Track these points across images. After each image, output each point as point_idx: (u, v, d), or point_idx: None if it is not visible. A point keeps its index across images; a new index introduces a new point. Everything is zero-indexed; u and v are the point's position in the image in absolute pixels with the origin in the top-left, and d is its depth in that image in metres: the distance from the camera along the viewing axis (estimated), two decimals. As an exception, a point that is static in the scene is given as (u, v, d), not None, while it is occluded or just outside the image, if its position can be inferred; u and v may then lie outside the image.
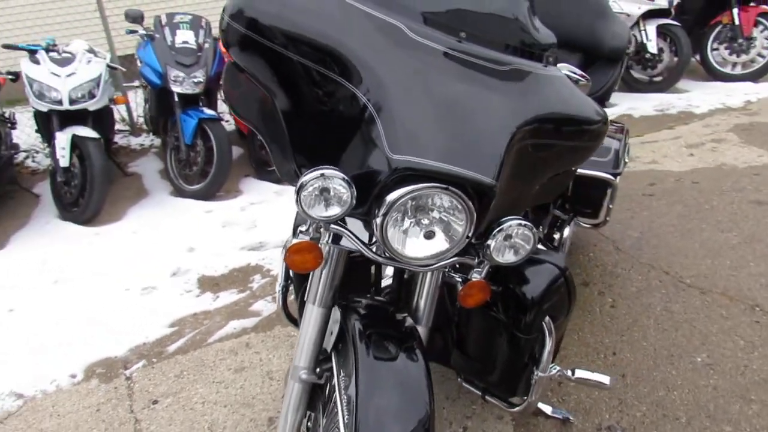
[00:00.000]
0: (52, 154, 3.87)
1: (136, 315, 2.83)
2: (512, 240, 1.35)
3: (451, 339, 1.77)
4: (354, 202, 1.22)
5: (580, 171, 2.34)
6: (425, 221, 1.24)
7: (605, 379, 1.65)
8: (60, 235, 3.81)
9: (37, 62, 3.82)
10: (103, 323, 2.77)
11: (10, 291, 3.18)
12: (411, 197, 1.19)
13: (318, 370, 1.45)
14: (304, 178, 1.20)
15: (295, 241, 1.32)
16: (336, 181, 1.21)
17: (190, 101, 4.10)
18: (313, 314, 1.45)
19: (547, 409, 1.96)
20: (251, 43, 1.29)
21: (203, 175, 4.12)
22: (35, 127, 4.23)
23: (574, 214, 2.58)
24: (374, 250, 1.32)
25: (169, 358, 2.49)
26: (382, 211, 1.17)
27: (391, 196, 1.17)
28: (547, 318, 1.53)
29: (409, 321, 1.45)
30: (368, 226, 1.29)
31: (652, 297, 2.55)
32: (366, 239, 1.32)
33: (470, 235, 1.24)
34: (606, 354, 2.25)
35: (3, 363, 2.54)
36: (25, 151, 5.12)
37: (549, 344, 1.54)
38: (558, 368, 1.63)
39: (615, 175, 2.38)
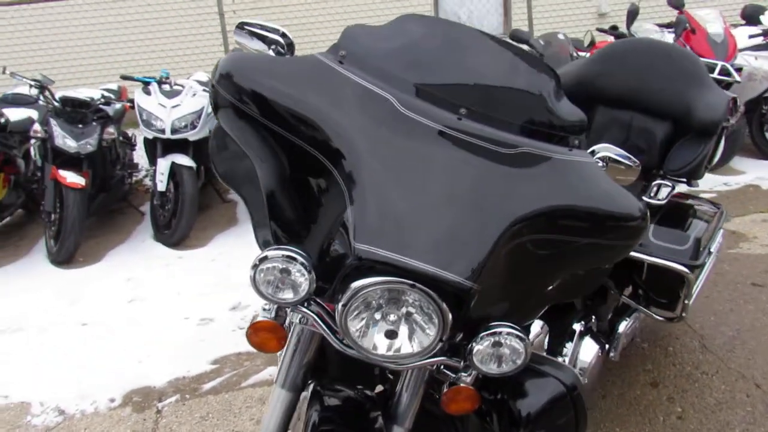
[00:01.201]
0: (153, 178, 4.14)
1: (187, 345, 2.89)
2: (502, 348, 1.17)
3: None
4: (313, 287, 1.14)
5: (649, 258, 2.05)
6: (393, 317, 1.11)
7: None
8: (149, 254, 4.04)
9: (148, 93, 4.14)
10: (155, 350, 2.85)
11: (90, 305, 3.39)
12: (374, 290, 1.07)
13: None
14: (259, 257, 1.13)
15: (258, 318, 1.24)
16: (295, 265, 1.13)
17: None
18: (279, 397, 1.35)
19: None
20: (235, 108, 1.25)
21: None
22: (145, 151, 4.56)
23: (646, 304, 2.27)
24: (342, 339, 1.20)
25: (201, 396, 2.50)
26: (343, 300, 1.06)
27: (354, 285, 1.06)
28: (543, 439, 1.31)
29: (380, 422, 1.31)
30: None
31: (733, 414, 2.16)
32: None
33: (444, 339, 1.09)
34: (658, 477, 1.92)
35: (59, 377, 2.69)
36: (144, 170, 5.55)
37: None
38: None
39: (692, 267, 2.06)
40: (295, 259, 1.11)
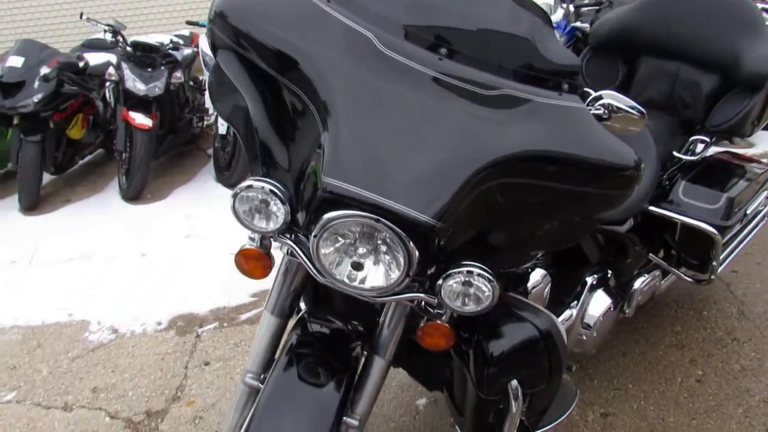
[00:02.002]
0: (215, 122, 4.32)
1: (231, 279, 3.07)
2: (471, 288, 1.20)
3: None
4: (288, 218, 1.21)
5: (674, 215, 1.98)
6: (362, 250, 1.16)
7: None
8: (210, 194, 4.26)
9: (212, 39, 4.27)
10: (203, 281, 3.06)
11: (152, 238, 3.65)
12: (342, 222, 1.12)
13: (263, 376, 1.45)
14: (237, 187, 1.21)
15: (245, 245, 1.32)
16: (272, 197, 1.20)
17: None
18: (267, 322, 1.44)
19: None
20: (227, 47, 1.30)
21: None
22: (210, 96, 4.74)
23: (676, 264, 2.20)
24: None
25: (237, 325, 2.68)
26: (314, 231, 1.12)
27: (323, 217, 1.11)
28: (514, 382, 1.34)
29: (357, 351, 1.38)
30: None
31: (756, 382, 2.09)
32: None
33: (411, 274, 1.13)
34: (662, 435, 1.91)
35: (117, 300, 2.95)
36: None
37: (514, 410, 1.35)
38: (531, 441, 1.42)
39: (720, 228, 1.97)
40: (271, 190, 1.18)
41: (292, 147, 1.29)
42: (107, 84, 4.46)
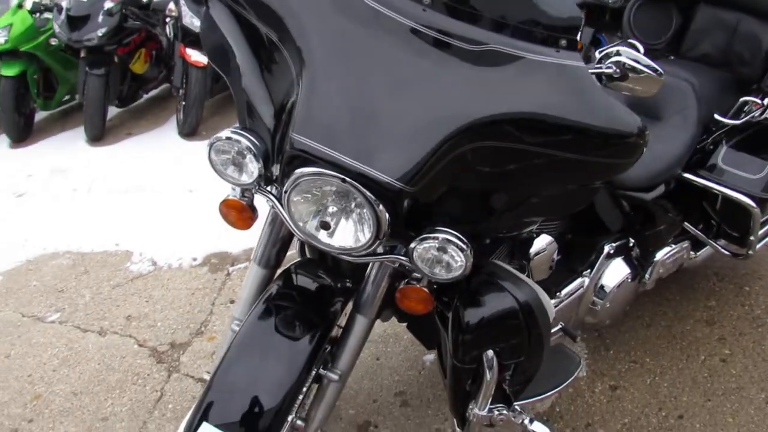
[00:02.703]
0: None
1: (268, 221, 3.14)
2: (445, 255, 1.17)
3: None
4: (261, 173, 1.21)
5: (709, 184, 1.83)
6: (332, 209, 1.15)
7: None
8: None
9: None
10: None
11: (200, 175, 3.76)
12: (310, 179, 1.10)
13: None
14: (214, 137, 1.21)
15: (228, 195, 1.34)
16: (246, 151, 1.20)
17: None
18: (253, 273, 1.47)
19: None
20: None
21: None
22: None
23: (715, 236, 2.05)
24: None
25: (266, 267, 2.74)
26: (284, 186, 1.12)
27: (294, 174, 1.10)
28: (490, 352, 1.31)
29: (336, 307, 1.38)
30: None
31: (788, 366, 1.95)
32: None
33: (382, 237, 1.11)
34: (670, 415, 1.82)
35: (160, 234, 3.09)
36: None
37: (488, 379, 1.32)
38: (505, 412, 1.39)
39: (760, 200, 1.81)
40: (246, 144, 1.18)
41: (272, 100, 1.27)
42: (168, 20, 4.53)
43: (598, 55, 1.37)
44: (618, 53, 1.32)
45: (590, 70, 1.32)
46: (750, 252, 2.01)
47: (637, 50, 1.33)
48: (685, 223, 2.02)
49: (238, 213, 1.33)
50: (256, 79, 1.29)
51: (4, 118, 4.34)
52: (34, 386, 2.13)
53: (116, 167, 3.96)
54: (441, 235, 1.12)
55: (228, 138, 1.19)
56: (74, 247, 3.03)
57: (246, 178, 1.23)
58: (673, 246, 1.93)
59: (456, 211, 1.22)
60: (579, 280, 1.79)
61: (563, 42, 1.17)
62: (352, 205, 1.12)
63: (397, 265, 1.25)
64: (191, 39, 4.25)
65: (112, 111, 4.75)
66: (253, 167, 1.21)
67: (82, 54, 4.28)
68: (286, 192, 1.11)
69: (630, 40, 1.40)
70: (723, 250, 2.03)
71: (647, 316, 2.21)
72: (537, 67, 1.15)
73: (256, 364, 1.25)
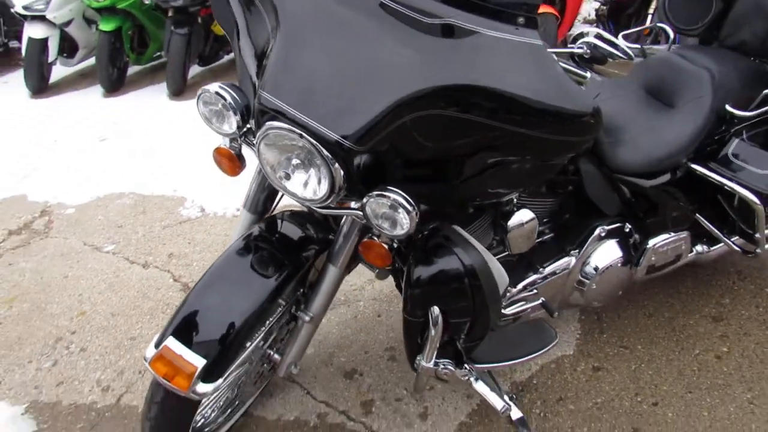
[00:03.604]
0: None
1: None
2: (396, 213, 1.27)
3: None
4: (239, 125, 1.35)
5: (712, 175, 1.79)
6: (295, 161, 1.27)
7: (499, 405, 1.44)
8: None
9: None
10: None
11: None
12: (274, 133, 1.22)
13: None
14: (201, 89, 1.36)
15: (219, 144, 1.49)
16: (227, 105, 1.35)
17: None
18: (243, 217, 1.63)
19: (515, 412, 1.76)
20: None
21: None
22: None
23: (729, 231, 2.00)
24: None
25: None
26: (256, 139, 1.26)
27: (263, 127, 1.24)
28: (436, 309, 1.40)
29: (309, 253, 1.51)
30: None
31: (786, 371, 1.89)
32: None
33: (337, 191, 1.22)
34: (644, 401, 1.83)
35: (215, 185, 3.33)
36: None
37: (434, 335, 1.41)
38: (450, 368, 1.48)
39: (766, 197, 1.75)
40: (224, 97, 1.33)
41: (256, 58, 1.40)
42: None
43: (571, 38, 1.40)
44: (589, 34, 1.35)
45: (562, 50, 1.36)
46: (758, 250, 1.94)
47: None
48: (697, 215, 1.98)
49: (228, 161, 1.48)
50: (246, 40, 1.43)
51: (100, 69, 4.77)
52: (81, 304, 2.44)
53: (190, 121, 4.26)
54: (389, 194, 1.22)
55: (211, 92, 1.34)
56: (139, 190, 3.35)
57: (227, 128, 1.38)
58: (671, 235, 1.90)
59: (411, 174, 1.31)
60: (566, 259, 1.83)
61: (521, 19, 1.22)
62: (313, 160, 1.23)
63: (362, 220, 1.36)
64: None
65: (195, 69, 5.07)
66: (232, 118, 1.35)
67: (169, 13, 4.60)
68: (256, 143, 1.25)
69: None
70: (734, 246, 1.98)
71: (652, 306, 2.19)
72: (493, 42, 1.21)
73: (224, 291, 1.40)
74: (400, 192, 1.22)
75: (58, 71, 5.23)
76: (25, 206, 3.25)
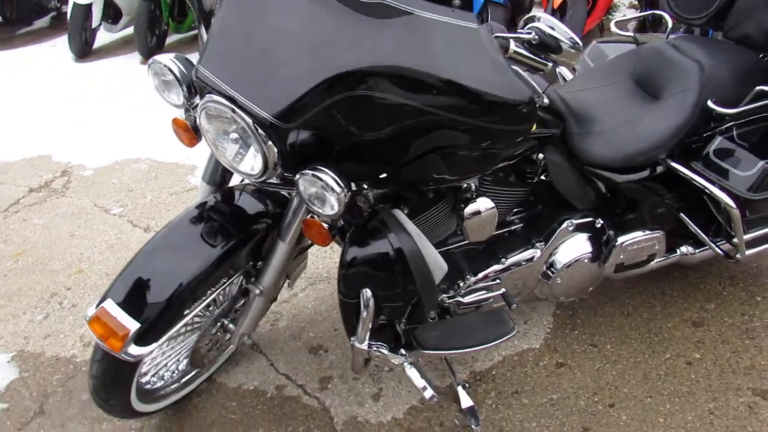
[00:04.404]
0: None
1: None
2: (327, 192, 1.27)
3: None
4: (185, 96, 1.39)
5: (690, 175, 1.71)
6: (233, 136, 1.29)
7: (428, 394, 1.44)
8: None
9: None
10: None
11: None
12: (210, 106, 1.25)
13: None
14: (152, 59, 1.40)
15: (177, 115, 1.53)
16: (175, 76, 1.38)
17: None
18: (201, 189, 1.67)
19: (465, 401, 1.76)
20: None
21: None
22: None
23: (715, 233, 1.91)
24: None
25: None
26: (196, 113, 1.29)
27: (201, 102, 1.26)
28: (368, 291, 1.40)
29: (260, 228, 1.53)
30: None
31: (757, 383, 1.80)
32: None
33: (271, 167, 1.24)
34: (601, 402, 1.79)
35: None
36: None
37: (364, 316, 1.42)
38: (383, 351, 1.49)
39: (744, 200, 1.66)
40: (172, 69, 1.36)
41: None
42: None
43: (522, 23, 1.36)
44: (538, 19, 1.30)
45: (509, 35, 1.32)
46: (738, 256, 1.85)
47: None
48: (682, 215, 1.90)
49: (184, 132, 1.51)
50: (202, 14, 1.45)
51: (138, 36, 4.90)
52: (81, 263, 2.56)
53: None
54: (318, 174, 1.23)
55: (161, 63, 1.37)
56: (155, 156, 3.45)
57: (176, 99, 1.41)
58: (643, 233, 1.83)
59: (349, 155, 1.31)
60: (531, 251, 1.79)
61: (457, 1, 1.20)
62: (247, 135, 1.25)
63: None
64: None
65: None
66: (179, 91, 1.38)
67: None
68: (198, 116, 1.28)
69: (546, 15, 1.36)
70: (718, 249, 1.89)
71: (632, 305, 2.12)
72: (426, 24, 1.19)
73: (167, 257, 1.45)
74: (329, 173, 1.23)
75: (103, 37, 5.40)
76: (49, 165, 3.41)
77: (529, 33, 1.31)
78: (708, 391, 1.79)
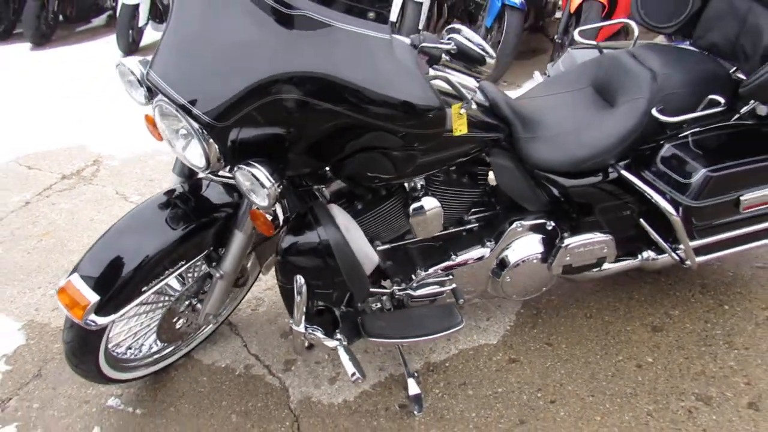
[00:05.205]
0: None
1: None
2: (256, 186, 1.40)
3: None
4: (145, 95, 1.54)
5: (635, 182, 1.75)
6: (183, 132, 1.43)
7: (354, 376, 1.55)
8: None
9: None
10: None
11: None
12: (158, 105, 1.40)
13: None
14: (119, 60, 1.56)
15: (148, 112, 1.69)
16: (136, 77, 1.54)
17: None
18: (172, 181, 1.83)
19: (413, 389, 1.86)
20: None
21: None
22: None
23: (674, 239, 1.93)
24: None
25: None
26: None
27: (154, 102, 1.42)
28: (300, 278, 1.52)
29: (221, 215, 1.69)
30: None
31: (702, 389, 1.81)
32: None
33: (213, 161, 1.38)
34: (543, 398, 1.85)
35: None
36: None
37: (298, 301, 1.54)
38: (318, 333, 1.60)
39: (682, 207, 1.69)
40: (133, 72, 1.51)
41: None
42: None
43: (445, 33, 1.45)
44: (457, 31, 1.39)
45: (430, 45, 1.42)
46: (688, 262, 1.86)
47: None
48: (642, 221, 1.93)
49: (153, 127, 1.66)
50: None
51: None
52: (95, 244, 2.79)
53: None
54: (250, 168, 1.36)
55: (125, 66, 1.53)
56: (179, 149, 3.68)
57: (140, 98, 1.56)
58: (589, 236, 1.87)
59: (280, 151, 1.44)
60: (480, 250, 1.87)
61: (371, 14, 1.30)
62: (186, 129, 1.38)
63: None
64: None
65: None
66: (141, 92, 1.53)
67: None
68: (153, 114, 1.43)
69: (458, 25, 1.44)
70: (675, 255, 1.91)
71: (596, 308, 2.16)
72: (344, 35, 1.30)
73: (130, 237, 1.62)
74: (261, 168, 1.36)
75: (150, 35, 5.73)
76: (83, 155, 3.70)
77: (449, 43, 1.40)
78: (651, 394, 1.82)
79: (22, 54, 5.79)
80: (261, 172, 1.35)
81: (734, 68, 1.87)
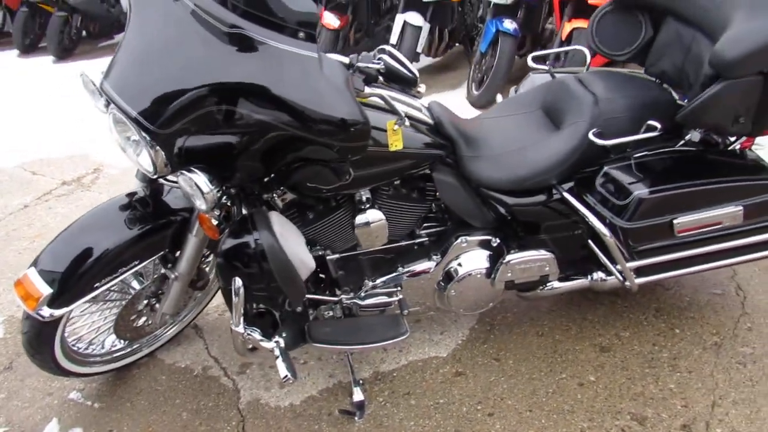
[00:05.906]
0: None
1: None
2: (194, 191, 1.50)
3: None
4: (104, 104, 1.64)
5: (571, 201, 1.80)
6: (135, 137, 1.53)
7: (286, 378, 1.61)
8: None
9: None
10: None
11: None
12: (111, 113, 1.51)
13: None
14: (80, 73, 1.67)
15: None
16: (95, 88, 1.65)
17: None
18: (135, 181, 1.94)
19: (357, 396, 1.91)
20: None
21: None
22: None
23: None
24: None
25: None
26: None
27: (107, 110, 1.53)
28: (238, 280, 1.60)
29: (177, 218, 1.79)
30: None
31: (639, 409, 1.83)
32: None
33: (160, 167, 1.48)
34: (482, 411, 1.88)
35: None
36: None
37: (235, 302, 1.62)
38: (255, 335, 1.67)
39: (615, 228, 1.74)
40: (94, 82, 1.63)
41: None
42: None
43: (377, 53, 1.54)
44: (387, 52, 1.48)
45: (362, 64, 1.51)
46: (627, 284, 1.89)
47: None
48: (590, 241, 1.97)
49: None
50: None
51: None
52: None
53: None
54: (191, 174, 1.46)
55: (87, 77, 1.65)
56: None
57: (100, 106, 1.67)
58: (530, 253, 1.91)
59: (220, 158, 1.53)
60: (427, 263, 1.94)
61: (301, 34, 1.40)
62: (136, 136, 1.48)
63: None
64: (334, 5, 4.78)
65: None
66: (101, 101, 1.64)
67: None
68: (108, 122, 1.54)
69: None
70: (619, 276, 1.94)
71: (548, 326, 2.19)
72: (276, 53, 1.40)
73: (87, 235, 1.74)
74: (200, 174, 1.46)
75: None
76: (85, 163, 3.87)
77: (378, 63, 1.49)
78: (588, 412, 1.84)
79: (44, 66, 6.07)
80: (200, 178, 1.45)
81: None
